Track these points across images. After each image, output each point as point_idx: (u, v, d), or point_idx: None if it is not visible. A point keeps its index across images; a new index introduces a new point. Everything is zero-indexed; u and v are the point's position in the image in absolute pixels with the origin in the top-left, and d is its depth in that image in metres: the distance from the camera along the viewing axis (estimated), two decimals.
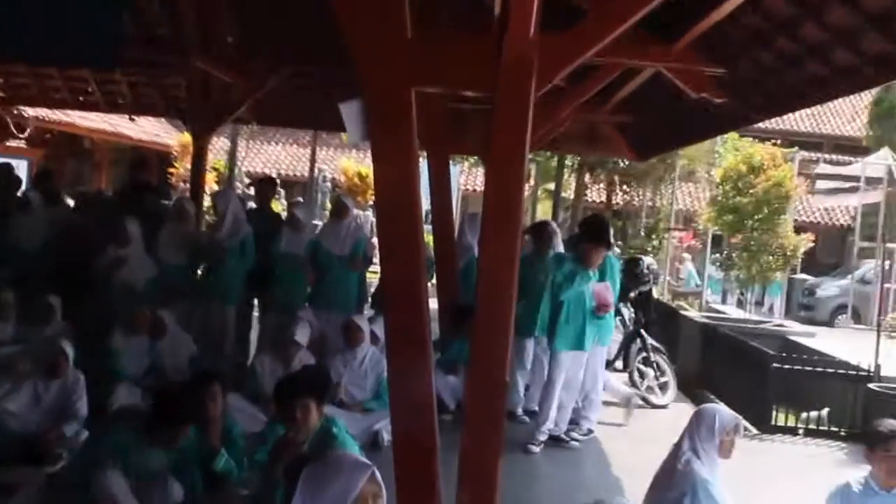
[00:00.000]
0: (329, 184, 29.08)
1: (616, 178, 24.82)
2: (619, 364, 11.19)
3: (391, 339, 4.47)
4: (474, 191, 31.53)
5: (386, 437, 7.19)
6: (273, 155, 34.55)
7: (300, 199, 22.44)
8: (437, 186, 9.33)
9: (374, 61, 4.22)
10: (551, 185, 26.53)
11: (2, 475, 5.75)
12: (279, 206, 25.03)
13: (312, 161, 27.70)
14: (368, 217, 25.90)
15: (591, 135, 14.28)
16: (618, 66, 8.53)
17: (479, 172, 30.15)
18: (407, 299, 4.36)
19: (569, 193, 27.03)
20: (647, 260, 12.13)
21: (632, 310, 11.35)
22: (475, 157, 23.39)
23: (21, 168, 13.47)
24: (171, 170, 25.16)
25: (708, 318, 13.92)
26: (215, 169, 25.15)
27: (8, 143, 19.91)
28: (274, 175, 28.42)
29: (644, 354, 10.57)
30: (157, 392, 5.35)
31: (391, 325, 4.47)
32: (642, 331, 10.75)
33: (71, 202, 11.43)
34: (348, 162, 30.24)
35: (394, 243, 4.37)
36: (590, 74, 8.69)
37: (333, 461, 3.07)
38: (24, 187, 10.88)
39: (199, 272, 9.33)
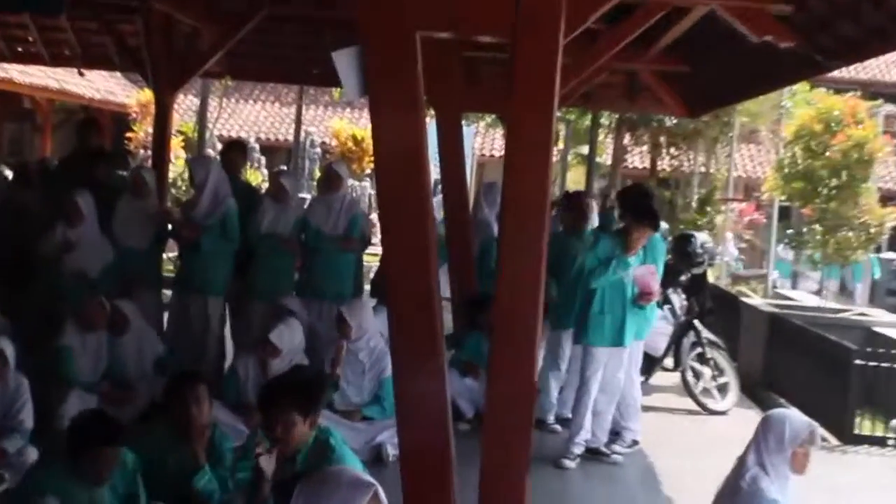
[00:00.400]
0: (318, 149, 29.08)
1: (662, 139, 24.71)
2: (668, 362, 11.19)
3: (395, 335, 4.48)
4: (492, 156, 31.55)
5: (391, 451, 7.23)
6: (251, 116, 34.59)
7: (284, 168, 22.52)
8: (447, 151, 9.32)
9: (373, 1, 4.20)
10: (584, 149, 26.48)
11: None
12: (259, 175, 25.30)
13: (298, 122, 27.69)
14: (366, 189, 25.97)
15: (631, 88, 14.26)
16: (664, 4, 8.51)
17: (498, 134, 30.15)
18: (414, 286, 4.37)
19: (605, 158, 26.98)
20: (701, 237, 12.09)
21: (683, 297, 11.33)
22: (492, 116, 23.36)
23: None
24: (130, 134, 25.16)
25: (775, 305, 13.90)
26: (181, 132, 25.15)
27: None
28: (252, 139, 28.70)
29: (699, 350, 10.55)
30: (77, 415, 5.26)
31: (395, 317, 4.48)
32: (696, 322, 10.73)
33: (8, 173, 11.48)
34: (340, 123, 30.25)
35: (397, 219, 4.38)
36: (629, 14, 8.66)
37: (331, 478, 3.08)
38: None
39: (171, 257, 9.35)
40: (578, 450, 8.12)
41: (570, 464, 8.02)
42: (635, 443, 8.67)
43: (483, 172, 30.88)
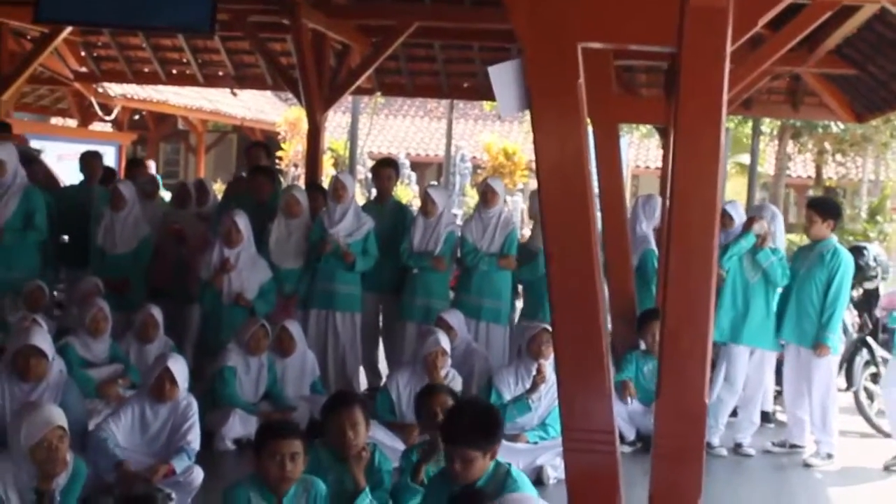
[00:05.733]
0: (469, 164, 29.26)
1: (827, 145, 24.14)
2: (841, 381, 10.87)
3: (560, 354, 4.45)
4: (647, 167, 31.24)
5: (552, 473, 7.22)
6: (401, 131, 34.98)
7: (434, 184, 22.74)
8: (604, 162, 9.24)
9: (534, 13, 4.21)
10: (744, 158, 26.00)
11: None
12: (409, 192, 25.57)
13: (449, 137, 27.91)
14: (517, 203, 26.01)
15: (794, 92, 13.99)
16: (831, 4, 8.32)
17: (652, 145, 29.84)
18: (579, 304, 4.34)
19: (766, 167, 26.44)
20: (874, 249, 11.74)
21: (855, 312, 11.01)
22: (647, 127, 23.15)
23: (108, 154, 14.04)
24: (279, 153, 25.75)
25: None
26: (332, 150, 25.61)
27: (93, 127, 20.83)
28: (402, 155, 29.03)
29: (872, 369, 10.23)
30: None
31: (559, 336, 4.45)
32: (869, 339, 10.41)
33: (166, 194, 11.88)
34: (491, 137, 30.33)
35: (561, 233, 4.35)
36: (794, 16, 8.49)
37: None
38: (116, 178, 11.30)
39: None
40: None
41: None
42: (830, 456, 8.61)
43: (637, 184, 30.64)
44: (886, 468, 8.61)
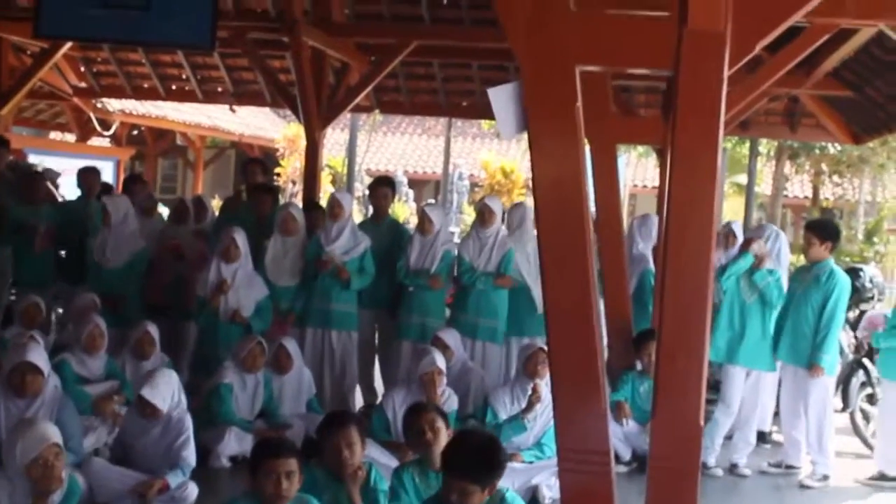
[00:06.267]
0: (467, 182, 29.30)
1: (824, 166, 24.18)
2: (837, 402, 10.88)
3: (556, 373, 4.46)
4: (644, 187, 31.29)
5: (547, 493, 7.22)
6: (399, 148, 35.04)
7: (431, 202, 22.75)
8: (602, 182, 9.26)
9: (532, 36, 4.24)
10: (741, 178, 26.06)
11: None
12: (406, 209, 25.60)
13: (447, 154, 27.96)
14: None
15: (792, 114, 14.03)
16: (829, 27, 8.36)
17: (650, 164, 29.90)
18: (575, 323, 4.36)
19: (763, 187, 26.48)
20: (870, 270, 11.78)
21: (851, 333, 11.02)
22: (645, 147, 23.19)
23: (106, 170, 14.06)
24: (278, 169, 25.75)
25: None
26: (330, 167, 25.64)
27: (91, 142, 20.85)
28: (400, 172, 29.07)
29: (868, 390, 10.24)
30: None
31: (555, 355, 4.46)
32: (865, 360, 10.42)
33: (164, 210, 11.88)
34: (489, 155, 30.40)
35: (558, 254, 4.37)
36: (792, 38, 8.53)
37: None
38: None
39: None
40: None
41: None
42: (825, 477, 8.61)
43: (635, 203, 30.68)
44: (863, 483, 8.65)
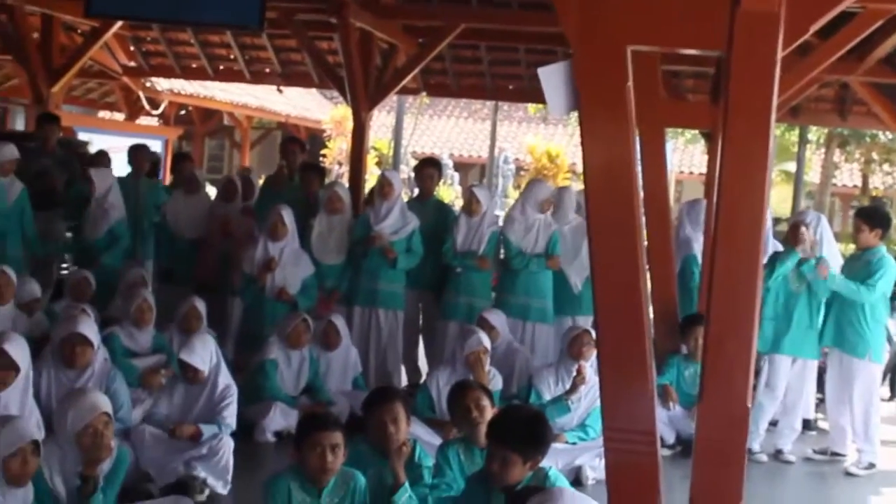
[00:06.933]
0: (512, 165, 29.25)
1: (875, 155, 23.93)
2: (884, 391, 10.81)
3: (603, 356, 4.47)
4: (690, 173, 31.09)
5: (590, 473, 7.25)
6: (444, 132, 35.01)
7: (476, 184, 22.74)
8: (650, 167, 9.23)
9: (583, 15, 4.23)
10: (789, 165, 25.84)
11: None
12: (452, 192, 25.60)
13: (493, 138, 27.92)
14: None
15: (842, 101, 13.90)
16: (882, 12, 8.27)
17: (697, 151, 29.70)
18: (623, 305, 4.36)
19: (812, 175, 26.25)
20: None
21: None
22: (692, 132, 23.05)
23: (154, 148, 14.16)
24: (324, 151, 25.83)
25: None
26: (376, 149, 25.69)
27: (139, 121, 21.02)
28: (445, 156, 29.07)
29: None
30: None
31: (603, 336, 4.47)
32: None
33: (211, 189, 11.97)
34: (535, 139, 30.31)
35: (608, 238, 4.37)
36: (844, 23, 8.45)
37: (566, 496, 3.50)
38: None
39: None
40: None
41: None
42: (871, 465, 8.56)
43: (682, 189, 30.51)
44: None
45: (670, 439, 8.39)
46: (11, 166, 9.40)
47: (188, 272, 9.68)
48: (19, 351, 5.82)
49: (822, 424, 9.58)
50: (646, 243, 9.55)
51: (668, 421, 8.43)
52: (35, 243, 9.55)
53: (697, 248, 9.96)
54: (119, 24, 12.77)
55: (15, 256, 9.15)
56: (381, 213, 9.25)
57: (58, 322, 7.31)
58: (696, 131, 19.55)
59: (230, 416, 6.72)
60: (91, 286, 8.67)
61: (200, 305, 8.20)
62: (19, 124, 22.37)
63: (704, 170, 14.09)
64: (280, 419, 7.81)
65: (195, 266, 9.66)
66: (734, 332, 4.24)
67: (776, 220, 11.64)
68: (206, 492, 6.45)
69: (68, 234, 10.27)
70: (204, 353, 6.72)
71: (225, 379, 6.80)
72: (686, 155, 31.57)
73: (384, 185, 9.38)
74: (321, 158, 24.78)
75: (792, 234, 8.68)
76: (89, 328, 6.59)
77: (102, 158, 10.57)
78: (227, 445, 6.56)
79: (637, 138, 4.59)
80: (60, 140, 11.37)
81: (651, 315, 9.45)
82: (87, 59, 13.31)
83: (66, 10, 12.19)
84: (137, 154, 10.92)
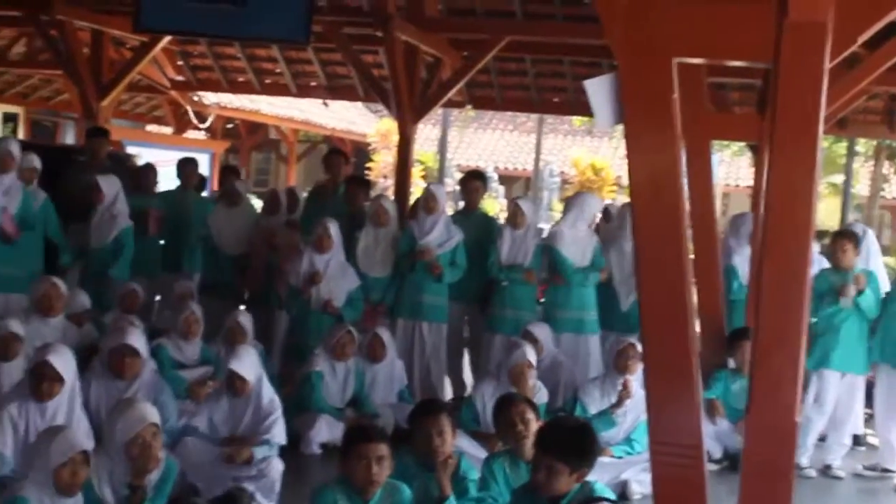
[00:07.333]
0: (558, 178, 29.22)
1: None
2: None
3: (650, 370, 4.45)
4: (737, 186, 30.89)
5: (637, 488, 7.21)
6: (489, 144, 35.01)
7: (521, 196, 22.71)
8: (695, 180, 9.21)
9: (629, 27, 4.23)
10: (836, 178, 25.62)
11: None
12: (496, 205, 25.61)
13: (538, 151, 27.92)
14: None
15: (891, 112, 13.77)
16: None
17: (743, 163, 29.51)
18: (669, 320, 4.33)
19: (860, 188, 26.00)
20: None
21: None
22: (739, 145, 22.92)
23: (202, 162, 14.29)
24: (369, 164, 25.92)
25: None
26: (421, 162, 25.76)
27: (187, 135, 21.21)
28: (490, 168, 29.09)
29: None
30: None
31: (650, 351, 4.45)
32: None
33: (256, 202, 12.04)
34: (580, 152, 30.25)
35: (653, 248, 4.36)
36: (893, 34, 8.38)
37: None
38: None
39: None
40: None
41: None
42: None
43: (728, 203, 30.33)
44: None
45: (717, 454, 8.33)
46: (32, 174, 9.33)
47: (231, 285, 9.75)
48: (65, 362, 5.88)
49: (872, 440, 9.46)
50: (692, 256, 9.60)
51: (715, 436, 8.36)
52: (64, 252, 9.47)
53: (738, 260, 9.88)
54: (167, 38, 12.90)
55: (36, 262, 9.13)
56: (425, 227, 9.28)
57: (107, 333, 7.39)
58: (743, 143, 19.42)
59: (279, 433, 6.73)
60: (139, 298, 8.75)
61: (245, 319, 8.25)
62: (70, 138, 22.67)
63: (751, 182, 14.00)
64: (325, 431, 7.84)
65: (240, 279, 9.72)
66: (782, 345, 4.20)
67: (820, 234, 11.49)
68: None
69: None
70: (250, 365, 6.75)
71: (269, 392, 6.81)
72: (733, 167, 31.39)
73: (429, 200, 9.41)
74: (366, 171, 24.87)
75: (832, 249, 8.59)
76: (138, 339, 6.66)
77: (149, 172, 10.64)
78: (277, 468, 6.59)
79: (683, 151, 4.58)
80: (109, 154, 11.47)
81: (698, 329, 9.43)
82: (136, 73, 13.44)
83: (116, 26, 12.34)
84: (186, 168, 11.00)
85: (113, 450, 5.22)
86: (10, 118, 22.85)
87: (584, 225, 9.45)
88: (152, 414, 5.31)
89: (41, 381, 5.79)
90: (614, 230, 9.73)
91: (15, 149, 8.99)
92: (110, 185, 9.42)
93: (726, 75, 12.10)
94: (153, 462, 5.20)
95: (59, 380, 5.82)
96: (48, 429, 5.12)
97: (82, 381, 6.27)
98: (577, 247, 9.35)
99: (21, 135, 21.58)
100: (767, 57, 4.24)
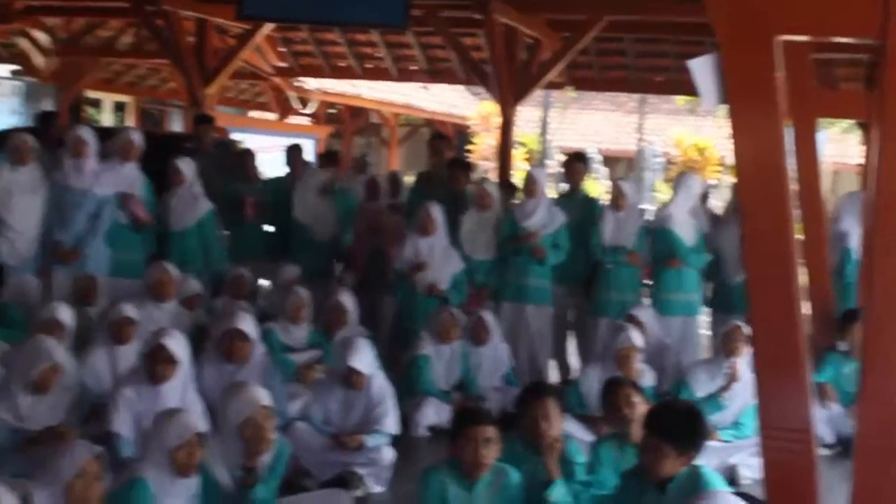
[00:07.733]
0: (661, 158, 28.91)
1: None
2: None
3: (758, 353, 4.41)
4: (846, 164, 30.23)
5: (746, 473, 7.12)
6: (591, 125, 34.69)
7: (622, 178, 22.51)
8: (802, 159, 9.07)
9: (731, 5, 4.19)
10: None
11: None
12: (599, 186, 25.44)
13: (640, 131, 27.65)
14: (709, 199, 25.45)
15: None
16: None
17: (853, 141, 28.87)
18: (777, 302, 4.29)
19: None
20: None
21: None
22: (848, 122, 22.41)
23: (307, 147, 14.45)
24: (470, 146, 25.93)
25: None
26: (522, 144, 25.70)
27: (290, 120, 21.48)
28: (592, 149, 28.88)
29: None
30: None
31: (758, 333, 4.42)
32: None
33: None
34: (683, 132, 29.86)
35: (760, 232, 4.31)
36: None
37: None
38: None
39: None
40: None
41: None
42: None
43: (837, 181, 29.72)
44: None
45: (829, 439, 8.17)
46: (131, 151, 8.99)
47: (324, 270, 9.87)
48: (179, 346, 6.02)
49: None
50: (800, 237, 9.45)
51: (827, 420, 8.21)
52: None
53: (854, 242, 9.70)
54: (269, 26, 13.08)
55: (150, 248, 9.15)
56: (527, 210, 9.29)
57: (217, 318, 7.53)
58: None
59: (391, 422, 6.77)
60: (248, 283, 8.90)
61: (346, 301, 8.34)
62: (177, 126, 23.12)
63: (861, 160, 13.71)
64: (433, 414, 7.91)
65: (345, 264, 9.84)
66: (893, 327, 4.14)
67: None
68: (364, 487, 6.55)
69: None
70: (368, 358, 6.78)
71: (380, 381, 6.83)
72: (842, 145, 30.69)
73: (529, 183, 9.41)
74: (467, 154, 24.89)
75: None
76: (248, 324, 6.78)
77: (246, 157, 10.68)
78: (388, 456, 6.66)
79: (788, 130, 4.52)
80: (215, 140, 11.66)
81: (807, 311, 9.28)
82: (240, 60, 13.65)
83: (219, 14, 12.56)
84: (294, 154, 11.11)
85: (226, 432, 5.32)
86: (120, 107, 23.40)
87: (690, 205, 9.38)
88: (264, 396, 5.39)
89: (156, 364, 5.93)
90: (728, 211, 9.66)
91: (137, 137, 9.12)
92: (189, 167, 9.41)
93: (832, 51, 11.86)
94: (266, 444, 5.29)
95: (174, 363, 5.96)
96: (164, 411, 5.22)
97: (195, 365, 6.41)
98: (687, 227, 9.29)
99: (130, 123, 22.08)
100: (874, 32, 4.16)
